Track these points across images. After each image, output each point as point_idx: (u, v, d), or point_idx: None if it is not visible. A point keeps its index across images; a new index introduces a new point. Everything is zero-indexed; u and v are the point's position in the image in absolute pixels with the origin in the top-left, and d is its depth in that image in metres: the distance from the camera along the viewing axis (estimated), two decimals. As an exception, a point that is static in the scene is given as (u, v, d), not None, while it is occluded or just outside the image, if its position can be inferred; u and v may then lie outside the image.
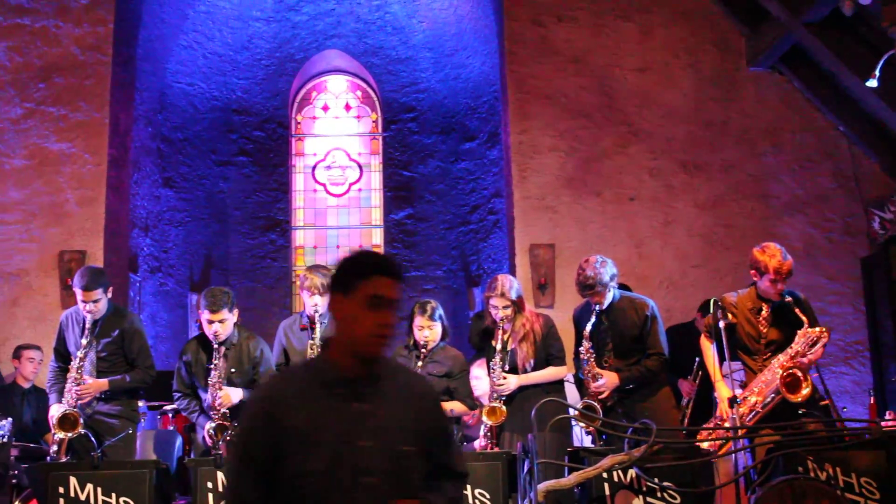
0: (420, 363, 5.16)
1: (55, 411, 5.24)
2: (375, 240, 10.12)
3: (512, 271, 8.17)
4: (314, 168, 10.24)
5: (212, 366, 5.23)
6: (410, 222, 9.92)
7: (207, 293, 5.33)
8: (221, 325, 5.22)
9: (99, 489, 4.57)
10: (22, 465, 5.75)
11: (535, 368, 5.20)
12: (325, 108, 10.37)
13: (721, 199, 8.12)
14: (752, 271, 5.19)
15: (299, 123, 10.32)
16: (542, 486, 4.21)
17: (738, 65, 8.28)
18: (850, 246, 8.04)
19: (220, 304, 5.20)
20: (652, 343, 5.44)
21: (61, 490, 4.57)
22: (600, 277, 5.32)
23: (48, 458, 5.97)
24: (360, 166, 10.26)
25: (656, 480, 4.45)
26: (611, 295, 5.44)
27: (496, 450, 5.12)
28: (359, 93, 10.38)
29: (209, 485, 4.63)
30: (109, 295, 5.44)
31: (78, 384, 5.23)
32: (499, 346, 5.23)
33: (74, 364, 5.24)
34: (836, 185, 8.15)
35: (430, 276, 9.79)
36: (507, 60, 8.22)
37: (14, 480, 5.70)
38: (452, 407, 5.29)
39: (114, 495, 4.57)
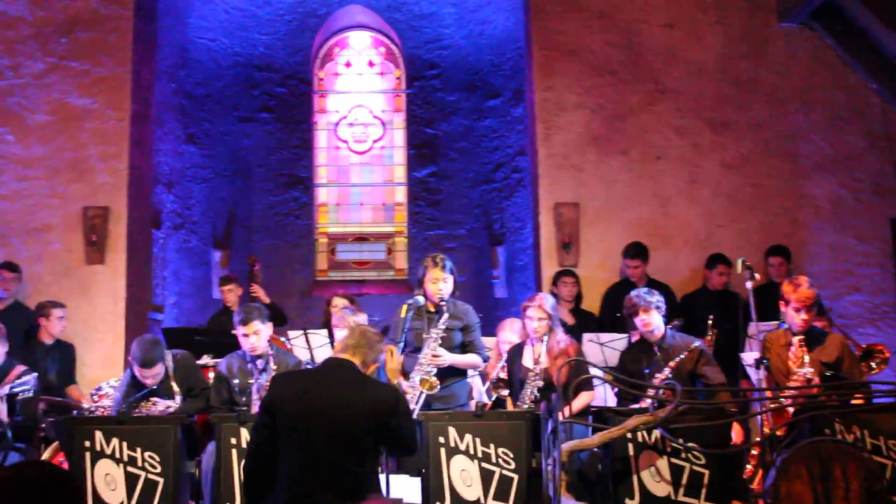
0: (443, 320, 5.13)
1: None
2: (398, 198, 10.09)
3: (536, 231, 8.13)
4: (337, 125, 10.18)
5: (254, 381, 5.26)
6: (434, 180, 9.87)
7: (238, 310, 5.38)
8: (256, 336, 5.22)
9: (124, 443, 4.60)
10: (48, 418, 5.82)
11: (569, 391, 5.11)
12: (348, 65, 10.29)
13: (749, 159, 8.00)
14: (780, 302, 5.10)
15: (322, 80, 10.25)
16: (566, 446, 4.18)
17: (769, 21, 8.09)
18: (880, 206, 7.91)
19: (250, 316, 5.23)
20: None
21: (87, 444, 4.61)
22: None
23: (74, 412, 6.05)
24: (383, 123, 10.19)
25: (681, 441, 4.41)
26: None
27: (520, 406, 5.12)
28: (382, 49, 10.29)
29: (233, 441, 4.66)
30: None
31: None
32: (538, 361, 5.21)
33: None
34: (866, 143, 7.99)
35: (453, 235, 9.76)
36: (532, 16, 8.08)
37: (42, 434, 5.79)
38: (469, 361, 5.30)
39: (139, 449, 4.60)
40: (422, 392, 5.00)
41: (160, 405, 5.24)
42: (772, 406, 4.73)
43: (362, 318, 5.91)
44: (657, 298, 5.36)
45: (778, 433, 4.61)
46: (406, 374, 5.11)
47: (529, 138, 8.50)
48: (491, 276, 9.57)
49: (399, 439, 3.79)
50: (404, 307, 5.18)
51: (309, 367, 5.62)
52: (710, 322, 6.17)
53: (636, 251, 7.42)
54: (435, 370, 5.06)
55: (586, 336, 6.44)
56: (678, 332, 5.51)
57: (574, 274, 7.47)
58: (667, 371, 5.13)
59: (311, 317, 8.81)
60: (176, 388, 5.35)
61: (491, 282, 9.56)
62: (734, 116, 8.05)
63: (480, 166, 9.75)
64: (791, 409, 4.63)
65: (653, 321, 5.32)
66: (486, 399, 5.66)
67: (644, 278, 7.38)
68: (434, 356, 5.08)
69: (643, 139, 8.02)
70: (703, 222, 7.93)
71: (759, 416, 4.84)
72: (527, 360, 5.33)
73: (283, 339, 6.70)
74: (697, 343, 5.29)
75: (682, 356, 5.17)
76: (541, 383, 5.18)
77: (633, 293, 5.45)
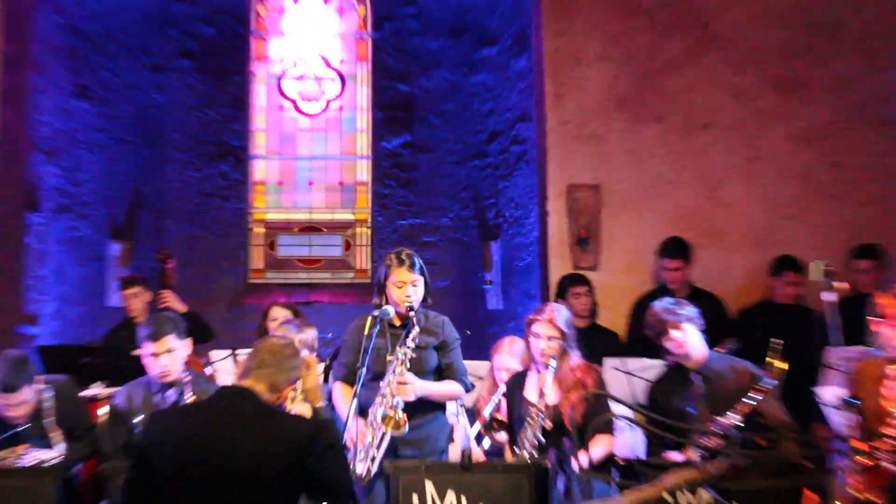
0: (412, 336, 5.04)
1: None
2: (361, 175, 10.08)
3: (542, 221, 8.09)
4: (280, 78, 10.16)
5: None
6: (408, 153, 9.87)
7: (145, 322, 5.38)
8: (169, 357, 5.20)
9: None
10: None
11: (587, 435, 5.04)
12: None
13: (828, 128, 7.97)
14: (873, 320, 5.00)
15: (262, 18, 10.20)
16: (584, 511, 4.10)
17: (857, -55, 8.12)
18: None
19: (161, 330, 5.20)
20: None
21: None
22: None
23: None
24: (341, 77, 10.19)
25: (739, 506, 4.30)
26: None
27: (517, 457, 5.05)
28: (341, -23, 10.29)
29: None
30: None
31: None
32: (545, 395, 5.17)
33: None
34: None
35: (433, 226, 9.77)
36: (542, -65, 8.10)
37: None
38: (447, 390, 5.26)
39: None
40: (385, 433, 4.94)
41: (30, 455, 5.17)
42: (863, 462, 4.62)
43: (309, 336, 5.85)
44: (689, 310, 5.40)
45: (871, 499, 4.49)
46: (363, 409, 5.04)
47: (535, 99, 8.47)
48: (482, 281, 9.59)
49: (323, 486, 3.88)
50: (368, 320, 5.15)
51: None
52: (775, 346, 6.06)
53: (675, 249, 7.41)
54: (402, 403, 4.99)
55: (609, 362, 6.33)
56: (731, 354, 5.50)
57: (588, 281, 7.44)
58: (734, 417, 5.02)
59: (242, 332, 8.71)
60: (53, 429, 5.30)
61: (482, 288, 9.58)
62: (808, 73, 8.03)
63: (470, 136, 9.76)
64: (891, 467, 4.52)
65: (688, 339, 5.34)
66: (474, 445, 5.62)
67: (685, 286, 7.35)
68: (401, 383, 5.01)
69: (686, 102, 8.03)
70: (766, 213, 7.92)
71: (843, 476, 4.72)
72: (530, 393, 5.28)
73: (204, 361, 6.67)
74: (754, 369, 5.24)
75: (752, 402, 5.05)
76: (549, 424, 5.11)
77: (655, 305, 5.47)
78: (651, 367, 6.31)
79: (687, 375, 5.32)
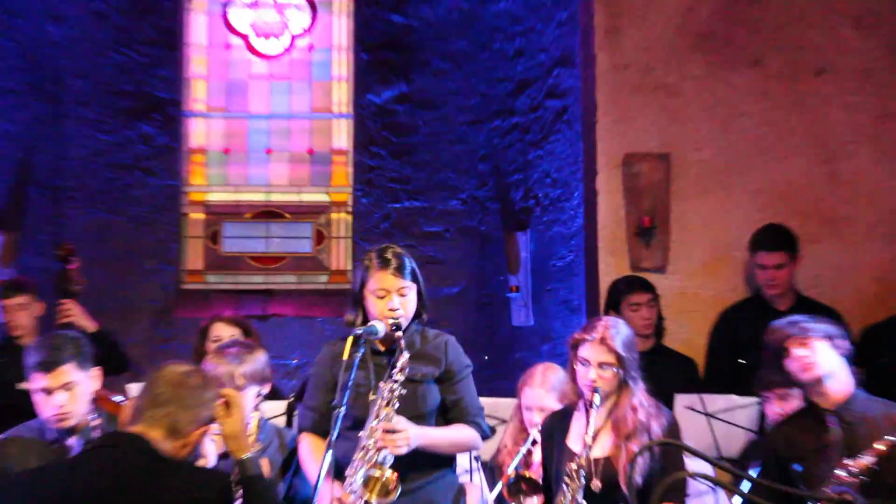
0: (401, 365, 5.01)
1: None
2: (339, 141, 10.14)
3: (589, 204, 8.09)
4: (227, 6, 10.21)
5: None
6: (403, 109, 9.92)
7: (34, 344, 5.31)
8: (68, 393, 5.14)
9: None
10: None
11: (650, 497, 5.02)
12: None
13: None
14: None
15: (200, -80, 10.24)
16: None
17: None
18: None
19: (57, 357, 5.14)
20: None
21: None
22: None
23: None
24: (311, 4, 10.25)
25: None
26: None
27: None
28: None
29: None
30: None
31: None
32: (592, 439, 5.12)
33: None
34: None
35: (438, 210, 9.83)
36: None
37: None
38: (456, 437, 5.23)
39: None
40: (368, 503, 4.91)
41: None
42: None
43: (253, 366, 5.75)
44: (826, 327, 5.31)
45: None
46: (337, 466, 4.98)
47: (580, 36, 8.50)
48: (506, 287, 9.57)
49: None
50: (349, 342, 5.05)
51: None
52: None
53: (775, 239, 7.39)
54: (391, 458, 4.96)
55: (680, 399, 6.36)
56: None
57: (652, 287, 7.42)
58: (867, 458, 5.01)
59: (172, 355, 8.64)
60: None
61: (506, 297, 9.56)
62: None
63: (489, 86, 9.81)
64: None
65: (819, 361, 5.26)
66: (494, 514, 5.61)
67: (790, 293, 7.35)
68: (388, 431, 4.97)
69: (792, 40, 8.04)
70: (905, 193, 7.93)
71: None
72: (574, 442, 5.24)
73: (119, 398, 6.49)
74: None
75: (891, 438, 5.04)
76: (598, 485, 5.09)
77: (779, 322, 5.38)
78: (741, 407, 6.30)
79: (821, 418, 5.28)
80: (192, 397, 4.03)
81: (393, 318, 5.08)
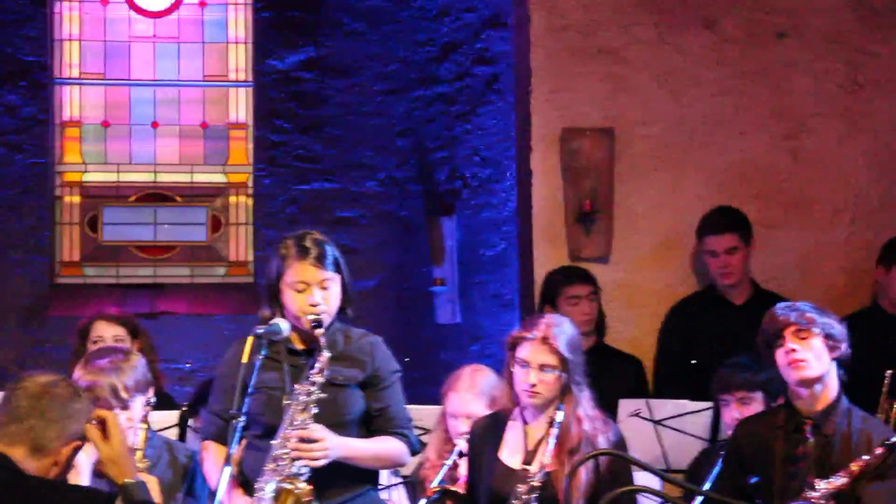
0: (320, 366, 5.07)
1: None
2: (236, 113, 10.10)
3: (524, 184, 8.17)
4: None
5: None
6: (311, 76, 9.90)
7: None
8: None
9: None
10: None
11: None
12: None
13: None
14: None
15: None
16: None
17: None
18: None
19: None
20: None
21: None
22: None
23: None
24: None
25: None
26: None
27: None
28: None
29: None
30: None
31: None
32: (532, 457, 5.20)
33: None
34: None
35: (352, 193, 9.81)
36: None
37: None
38: (381, 450, 5.26)
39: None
40: None
41: None
42: None
43: (137, 370, 5.78)
44: (831, 323, 5.38)
45: None
46: (246, 479, 5.06)
47: None
48: (429, 280, 9.65)
49: None
50: (248, 343, 5.11)
51: None
52: (886, 378, 6.19)
53: (724, 221, 7.53)
54: (308, 470, 5.01)
55: (625, 405, 6.46)
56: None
57: (592, 279, 7.53)
58: (840, 479, 5.12)
59: (45, 361, 8.75)
60: None
61: (429, 291, 9.64)
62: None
63: (409, 49, 9.83)
64: None
65: (809, 358, 5.30)
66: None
67: (746, 284, 7.49)
68: (304, 440, 5.02)
69: (749, 1, 8.14)
70: (876, 172, 8.06)
71: None
72: (508, 455, 5.31)
73: None
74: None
75: (866, 458, 5.15)
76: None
77: (781, 305, 5.45)
78: (693, 413, 6.41)
79: (797, 425, 5.33)
80: (56, 410, 3.97)
81: (313, 315, 5.09)
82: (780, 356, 5.31)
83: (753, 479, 5.28)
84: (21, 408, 3.92)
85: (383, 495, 5.65)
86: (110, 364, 5.43)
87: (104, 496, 4.07)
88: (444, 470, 5.50)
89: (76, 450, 4.04)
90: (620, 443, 5.37)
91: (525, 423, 5.31)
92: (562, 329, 5.29)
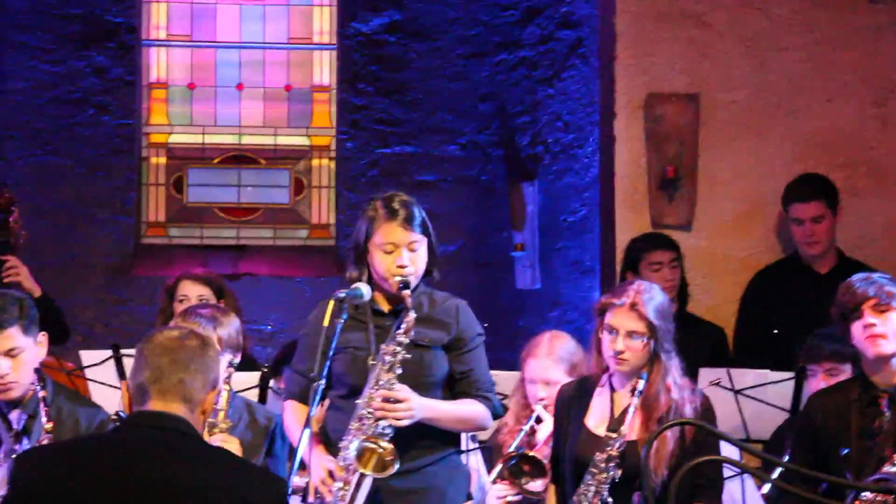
0: (406, 327, 5.06)
1: None
2: (320, 76, 10.13)
3: (606, 150, 8.15)
4: None
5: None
6: (394, 40, 9.88)
7: None
8: (11, 361, 5.15)
9: None
10: None
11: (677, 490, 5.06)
12: None
13: None
14: None
15: None
16: None
17: None
18: None
19: (1, 319, 5.13)
20: None
21: None
22: None
23: None
24: None
25: None
26: None
27: None
28: None
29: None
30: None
31: None
32: (617, 425, 5.17)
33: None
34: None
35: (433, 157, 9.81)
36: None
37: None
38: (464, 412, 5.28)
39: None
40: (363, 475, 4.98)
41: None
42: None
43: (232, 329, 5.81)
44: None
45: None
46: (329, 439, 5.09)
47: None
48: (509, 245, 9.64)
49: None
50: (329, 305, 5.15)
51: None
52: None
53: (811, 188, 7.48)
54: (391, 430, 5.04)
55: (706, 374, 6.44)
56: None
57: (676, 246, 7.49)
58: None
59: (129, 321, 8.85)
60: None
61: (509, 256, 9.62)
62: None
63: (493, 14, 9.77)
64: None
65: (892, 335, 5.27)
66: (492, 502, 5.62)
67: (831, 251, 7.44)
68: (388, 401, 5.04)
69: None
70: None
71: None
72: (594, 422, 5.30)
73: (68, 367, 6.67)
74: None
75: None
76: (617, 472, 5.12)
77: (858, 277, 5.40)
78: (774, 383, 6.36)
79: (874, 398, 5.31)
80: (196, 361, 3.99)
81: (401, 276, 5.12)
82: (856, 329, 5.26)
83: (844, 451, 5.22)
84: (164, 364, 3.93)
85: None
86: (208, 316, 5.52)
87: (282, 482, 4.11)
88: (521, 435, 5.51)
89: (216, 396, 4.13)
90: (709, 412, 5.33)
91: (613, 390, 5.30)
92: (651, 295, 5.26)
